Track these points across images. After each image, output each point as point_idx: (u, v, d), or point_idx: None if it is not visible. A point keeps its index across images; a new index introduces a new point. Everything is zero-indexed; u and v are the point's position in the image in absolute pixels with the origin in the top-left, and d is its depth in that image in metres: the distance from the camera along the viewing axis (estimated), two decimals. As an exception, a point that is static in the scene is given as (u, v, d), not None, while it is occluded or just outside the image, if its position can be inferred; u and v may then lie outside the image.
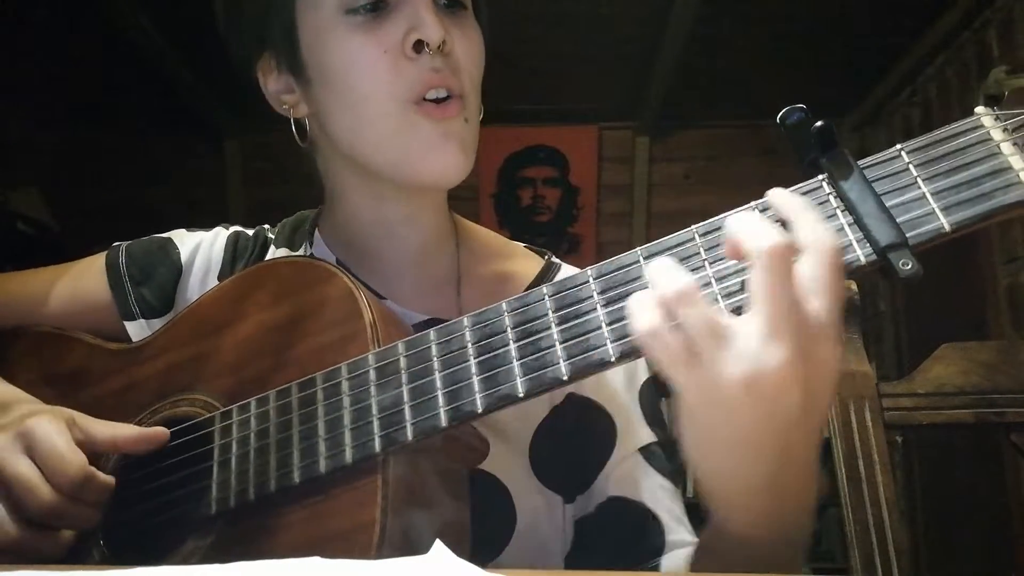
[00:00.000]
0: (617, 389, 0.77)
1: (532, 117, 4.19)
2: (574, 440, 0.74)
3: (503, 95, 4.47)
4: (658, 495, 0.73)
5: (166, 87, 3.77)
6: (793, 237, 0.44)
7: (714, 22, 3.25)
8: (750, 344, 0.43)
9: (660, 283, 0.45)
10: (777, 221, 0.46)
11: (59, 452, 0.59)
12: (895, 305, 3.81)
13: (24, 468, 0.58)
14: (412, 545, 0.52)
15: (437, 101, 0.69)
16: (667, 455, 0.76)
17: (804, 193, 0.48)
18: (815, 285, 0.44)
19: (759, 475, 0.46)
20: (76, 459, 0.59)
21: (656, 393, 0.80)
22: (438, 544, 0.43)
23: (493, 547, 0.70)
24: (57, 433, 0.60)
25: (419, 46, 0.67)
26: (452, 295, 0.79)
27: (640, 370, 0.79)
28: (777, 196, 0.47)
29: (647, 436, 0.76)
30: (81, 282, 0.85)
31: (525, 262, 0.82)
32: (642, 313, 0.45)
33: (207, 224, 0.93)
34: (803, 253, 0.44)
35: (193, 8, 3.52)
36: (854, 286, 0.87)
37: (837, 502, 0.87)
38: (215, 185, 4.36)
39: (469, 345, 0.52)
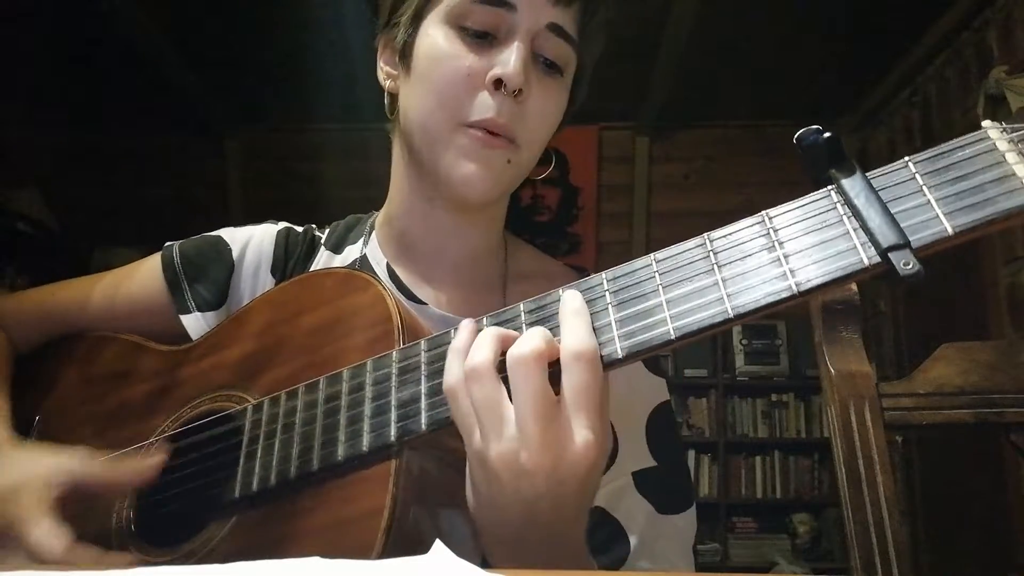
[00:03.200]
0: (629, 410, 0.77)
1: (532, 117, 4.19)
2: None
3: (503, 95, 4.44)
4: (637, 519, 0.74)
5: (166, 87, 3.77)
6: (562, 336, 0.51)
7: (714, 22, 3.25)
8: (512, 430, 0.49)
9: (471, 353, 0.51)
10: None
11: (40, 547, 0.60)
12: (895, 305, 3.81)
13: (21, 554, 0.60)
14: (420, 536, 0.53)
15: (490, 133, 0.73)
16: (662, 483, 0.77)
17: (811, 202, 0.50)
18: (572, 386, 0.50)
19: (507, 524, 0.53)
20: (57, 545, 0.60)
21: (670, 419, 0.81)
22: (438, 544, 0.43)
23: None
24: (35, 524, 0.61)
25: (498, 84, 0.71)
26: (497, 304, 0.81)
27: (656, 394, 0.81)
28: (562, 299, 0.53)
29: (645, 461, 0.77)
30: (135, 284, 0.88)
31: (565, 279, 0.85)
32: (448, 370, 0.52)
33: (207, 224, 0.94)
34: (565, 357, 0.50)
35: (193, 8, 3.53)
36: (854, 287, 0.87)
37: (837, 502, 0.87)
38: (215, 185, 4.36)
39: None
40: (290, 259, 0.88)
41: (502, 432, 0.50)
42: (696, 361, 4.17)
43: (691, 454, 4.11)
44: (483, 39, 0.73)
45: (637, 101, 4.05)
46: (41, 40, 3.44)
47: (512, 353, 0.50)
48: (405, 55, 0.78)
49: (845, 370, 0.85)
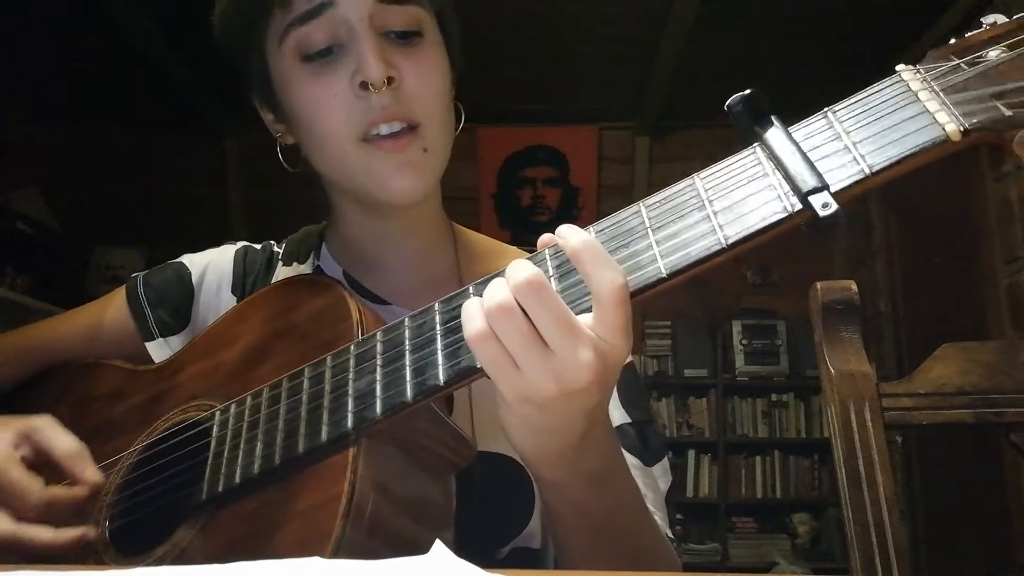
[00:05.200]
0: None
1: (532, 117, 4.19)
2: None
3: (503, 95, 4.48)
4: None
5: (166, 87, 3.77)
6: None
7: (714, 22, 3.25)
8: (566, 360, 0.49)
9: (486, 295, 0.50)
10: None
11: (12, 485, 0.61)
12: (895, 305, 3.81)
13: None
14: (381, 525, 0.54)
15: (392, 135, 0.71)
16: (639, 437, 0.79)
17: (738, 160, 0.52)
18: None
19: (570, 443, 0.54)
20: (33, 487, 0.61)
21: (635, 376, 0.84)
22: (438, 544, 0.43)
23: (517, 523, 0.74)
24: (7, 462, 0.62)
25: (365, 86, 0.70)
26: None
27: None
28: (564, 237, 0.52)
29: (619, 417, 0.80)
30: (105, 317, 0.90)
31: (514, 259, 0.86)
32: (470, 321, 0.50)
33: (207, 224, 0.94)
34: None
35: (193, 8, 3.53)
36: (854, 286, 0.87)
37: (837, 502, 0.87)
38: (215, 185, 4.36)
39: (438, 327, 0.55)
40: (248, 276, 0.89)
41: (546, 357, 0.49)
42: (696, 361, 4.17)
43: (691, 454, 4.11)
44: (329, 55, 0.71)
45: (637, 101, 4.05)
46: (41, 40, 3.44)
47: (519, 283, 0.49)
48: (277, 109, 0.79)
49: (845, 370, 0.85)
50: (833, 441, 0.84)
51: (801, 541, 4.00)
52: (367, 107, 0.70)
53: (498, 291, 0.49)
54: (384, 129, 0.71)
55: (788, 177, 0.48)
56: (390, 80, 0.70)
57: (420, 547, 0.43)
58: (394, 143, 0.71)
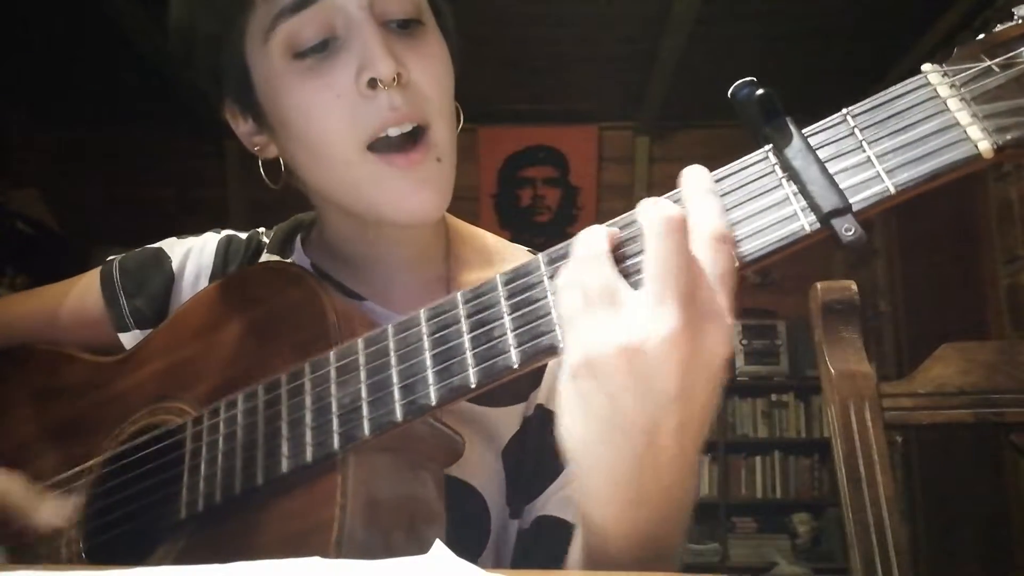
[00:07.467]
0: None
1: (532, 117, 4.19)
2: (533, 454, 0.72)
3: (503, 95, 4.47)
4: None
5: (166, 87, 3.77)
6: (692, 215, 0.45)
7: (714, 22, 3.25)
8: (637, 314, 0.42)
9: (576, 244, 0.46)
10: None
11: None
12: (895, 305, 3.81)
13: None
14: (375, 546, 0.52)
15: (401, 147, 0.65)
16: None
17: (749, 166, 0.48)
18: (711, 268, 0.44)
19: (625, 458, 0.45)
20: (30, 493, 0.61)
21: None
22: (438, 544, 0.43)
23: (469, 553, 0.69)
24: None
25: (373, 83, 0.62)
26: (441, 296, 0.77)
27: None
28: (687, 177, 0.47)
29: None
30: (77, 299, 0.84)
31: (510, 258, 0.79)
32: (563, 270, 0.47)
33: (207, 224, 0.93)
34: (702, 236, 0.44)
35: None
36: (853, 286, 0.87)
37: (837, 502, 0.87)
38: (215, 185, 4.35)
39: (425, 338, 0.51)
40: (229, 266, 0.83)
41: (625, 318, 0.42)
42: (696, 361, 4.16)
43: (691, 454, 4.11)
44: (325, 51, 0.64)
45: (637, 101, 4.04)
46: (41, 40, 3.44)
47: (654, 216, 0.43)
48: (260, 117, 0.71)
49: (845, 370, 0.85)
50: (833, 441, 0.84)
51: (801, 541, 3.99)
52: (375, 108, 0.63)
53: (597, 236, 0.45)
54: (393, 132, 0.64)
55: (806, 193, 0.44)
56: (399, 76, 0.62)
57: (413, 550, 0.43)
58: (406, 159, 0.64)
